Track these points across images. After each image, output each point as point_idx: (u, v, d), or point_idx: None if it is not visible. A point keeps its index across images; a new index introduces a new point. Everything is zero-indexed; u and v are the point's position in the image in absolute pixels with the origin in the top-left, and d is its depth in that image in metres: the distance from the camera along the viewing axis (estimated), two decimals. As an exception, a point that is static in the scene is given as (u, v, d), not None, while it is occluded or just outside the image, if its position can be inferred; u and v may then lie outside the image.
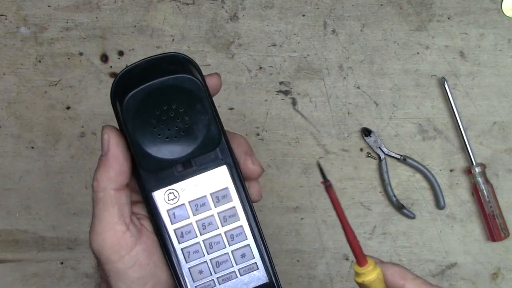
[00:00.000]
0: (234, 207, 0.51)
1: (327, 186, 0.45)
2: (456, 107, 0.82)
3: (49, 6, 0.83)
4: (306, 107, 0.84)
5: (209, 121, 0.47)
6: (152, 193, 0.49)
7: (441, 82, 0.83)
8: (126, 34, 0.83)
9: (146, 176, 0.49)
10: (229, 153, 0.50)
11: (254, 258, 0.51)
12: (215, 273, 0.51)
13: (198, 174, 0.50)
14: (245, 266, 0.51)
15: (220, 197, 0.50)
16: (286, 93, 0.84)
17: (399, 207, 0.83)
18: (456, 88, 0.84)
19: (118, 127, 0.49)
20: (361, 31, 0.84)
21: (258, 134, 0.84)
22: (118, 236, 0.48)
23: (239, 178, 0.50)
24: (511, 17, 0.83)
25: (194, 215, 0.50)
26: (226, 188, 0.50)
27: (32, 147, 0.83)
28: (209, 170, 0.50)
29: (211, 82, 0.50)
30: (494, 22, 0.83)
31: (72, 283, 0.84)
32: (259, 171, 0.51)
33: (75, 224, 0.84)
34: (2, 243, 0.84)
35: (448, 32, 0.83)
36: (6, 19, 0.83)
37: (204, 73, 0.50)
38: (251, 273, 0.51)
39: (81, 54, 0.83)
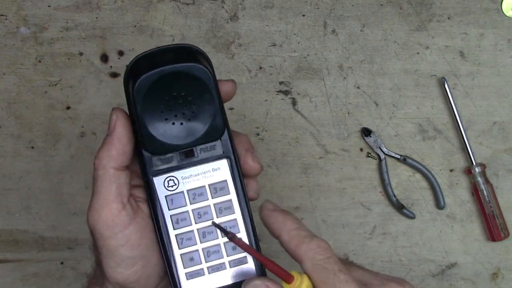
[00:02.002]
0: (230, 200, 0.52)
1: (232, 238, 0.48)
2: (456, 107, 0.82)
3: (49, 6, 0.83)
4: (306, 107, 0.84)
5: (215, 111, 0.49)
6: (153, 178, 0.51)
7: (441, 82, 0.83)
8: (126, 34, 0.83)
9: (149, 161, 0.51)
10: (231, 148, 0.52)
11: (244, 252, 0.52)
12: (206, 262, 0.52)
13: (199, 164, 0.51)
14: (235, 259, 0.52)
15: (218, 189, 0.52)
16: (286, 93, 0.84)
17: (399, 207, 0.83)
18: (456, 88, 0.84)
19: (127, 111, 0.51)
20: (361, 31, 0.84)
21: (258, 134, 0.84)
22: (113, 213, 0.50)
23: (238, 173, 0.52)
24: (511, 17, 0.83)
25: (191, 204, 0.51)
26: (225, 181, 0.52)
27: (32, 147, 0.83)
28: (210, 162, 0.51)
29: (225, 87, 0.51)
30: (494, 22, 0.83)
31: (72, 283, 0.84)
32: (258, 168, 0.52)
33: (75, 224, 0.84)
34: (2, 243, 0.84)
35: (448, 32, 0.83)
36: (6, 19, 0.83)
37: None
38: (240, 266, 0.52)
39: (81, 54, 0.83)
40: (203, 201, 0.51)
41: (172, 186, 0.51)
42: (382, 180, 0.84)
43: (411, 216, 0.84)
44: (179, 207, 0.51)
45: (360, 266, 0.52)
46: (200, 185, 0.51)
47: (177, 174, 0.51)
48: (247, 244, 0.50)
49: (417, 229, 0.84)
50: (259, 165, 0.52)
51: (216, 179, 0.51)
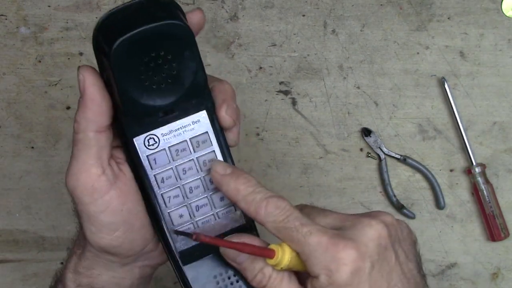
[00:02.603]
0: (213, 151, 0.51)
1: (197, 238, 0.45)
2: (456, 107, 0.82)
3: (49, 6, 0.83)
4: (306, 107, 0.84)
5: (196, 68, 0.47)
6: (133, 138, 0.49)
7: (441, 82, 0.83)
8: (126, 34, 0.83)
9: (126, 121, 0.48)
10: (209, 98, 0.50)
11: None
12: (195, 217, 0.51)
13: (179, 119, 0.49)
14: (223, 209, 0.52)
15: (200, 142, 0.50)
16: (286, 93, 0.84)
17: (399, 207, 0.83)
18: (456, 88, 0.84)
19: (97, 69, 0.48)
20: (361, 31, 0.84)
21: (258, 134, 0.84)
22: (92, 178, 0.48)
23: (219, 123, 0.50)
24: (511, 17, 0.83)
25: (174, 160, 0.50)
26: (206, 132, 0.50)
27: (32, 147, 0.83)
28: (190, 115, 0.49)
29: (194, 19, 0.49)
30: (494, 22, 0.83)
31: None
32: (229, 121, 0.50)
33: (75, 224, 0.83)
34: (2, 243, 0.84)
35: (448, 32, 0.83)
36: (6, 19, 0.83)
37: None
38: (228, 215, 0.52)
39: (81, 54, 0.83)
40: (186, 156, 0.50)
41: (152, 145, 0.49)
42: (382, 180, 0.84)
43: (411, 216, 0.84)
44: (163, 166, 0.50)
45: (334, 211, 0.50)
46: (181, 140, 0.50)
47: (157, 131, 0.49)
48: (214, 237, 0.48)
49: (417, 229, 0.84)
50: (231, 119, 0.50)
51: (197, 132, 0.50)
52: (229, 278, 0.52)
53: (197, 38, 0.51)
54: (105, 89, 0.47)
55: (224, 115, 0.50)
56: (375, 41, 0.84)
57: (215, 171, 0.49)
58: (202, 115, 0.50)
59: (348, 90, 0.84)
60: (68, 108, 0.83)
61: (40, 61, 0.83)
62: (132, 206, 0.50)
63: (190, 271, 0.51)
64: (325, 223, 0.47)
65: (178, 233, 0.48)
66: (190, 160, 0.50)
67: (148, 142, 0.49)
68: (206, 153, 0.50)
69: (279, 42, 0.84)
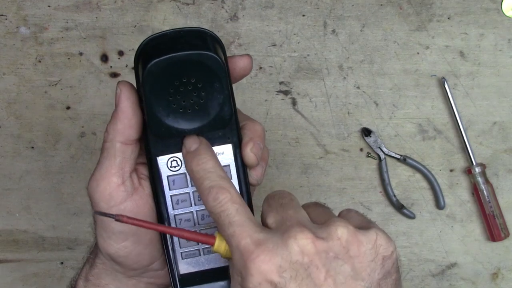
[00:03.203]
0: None
1: (119, 219, 0.45)
2: (456, 107, 0.82)
3: (49, 6, 0.83)
4: (306, 107, 0.84)
5: (223, 100, 0.48)
6: (157, 157, 0.51)
7: (441, 82, 0.83)
8: (126, 34, 0.83)
9: (153, 140, 0.50)
10: (237, 134, 0.51)
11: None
12: (202, 244, 0.52)
13: None
14: None
15: None
16: (286, 93, 0.84)
17: (399, 207, 0.83)
18: (456, 88, 0.84)
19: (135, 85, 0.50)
20: (361, 31, 0.84)
21: (258, 134, 0.84)
22: (111, 186, 0.50)
23: (242, 159, 0.51)
24: (511, 17, 0.83)
25: (192, 186, 0.51)
26: (228, 165, 0.51)
27: (32, 147, 0.83)
28: (215, 146, 0.51)
29: (240, 63, 0.51)
30: (494, 22, 0.83)
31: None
32: (253, 159, 0.51)
33: (75, 224, 0.84)
34: (2, 243, 0.84)
35: (448, 32, 0.83)
36: (6, 19, 0.83)
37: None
38: None
39: (81, 54, 0.83)
40: None
41: (175, 167, 0.51)
42: (382, 180, 0.84)
43: (411, 216, 0.84)
44: (180, 188, 0.51)
45: (317, 204, 0.49)
46: None
47: (181, 155, 0.51)
48: (141, 220, 0.47)
49: (417, 229, 0.84)
50: (255, 158, 0.51)
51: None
52: None
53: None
54: (137, 105, 0.49)
55: (248, 152, 0.51)
56: (375, 41, 0.84)
57: (184, 146, 0.50)
58: (227, 148, 0.51)
59: (348, 90, 0.84)
60: (68, 108, 0.83)
61: (40, 61, 0.83)
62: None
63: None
64: (271, 221, 0.45)
65: (100, 213, 0.49)
66: None
67: (171, 164, 0.51)
68: None
69: (279, 42, 0.84)
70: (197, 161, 0.48)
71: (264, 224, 0.46)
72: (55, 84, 0.83)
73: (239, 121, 0.52)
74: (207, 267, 0.52)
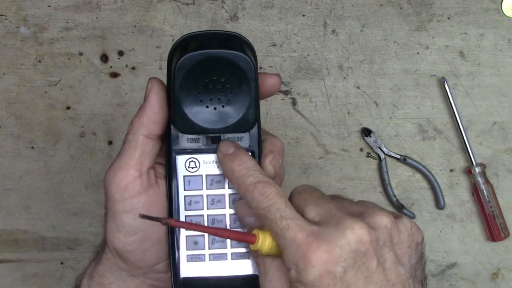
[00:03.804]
0: None
1: (167, 223, 0.45)
2: (456, 107, 0.82)
3: (49, 6, 0.83)
4: (306, 107, 0.84)
5: (250, 103, 0.49)
6: (176, 155, 0.51)
7: (441, 82, 0.83)
8: (126, 34, 0.83)
9: (175, 138, 0.51)
10: (258, 143, 0.52)
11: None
12: (209, 249, 0.52)
13: None
14: (237, 252, 0.52)
15: None
16: (286, 93, 0.84)
17: (399, 207, 0.83)
18: (456, 88, 0.84)
19: (165, 82, 0.51)
20: (361, 31, 0.84)
21: (258, 134, 0.84)
22: (128, 178, 0.50)
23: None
24: (511, 17, 0.83)
25: (207, 189, 0.52)
26: None
27: (32, 147, 0.83)
28: None
29: (269, 81, 0.51)
30: (494, 22, 0.83)
31: (72, 283, 0.84)
32: (271, 171, 0.51)
33: (75, 224, 0.84)
34: (2, 243, 0.84)
35: (448, 32, 0.84)
36: (6, 19, 0.83)
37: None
38: (241, 260, 0.52)
39: (81, 54, 0.83)
40: (219, 188, 0.52)
41: (192, 168, 0.51)
42: (382, 180, 0.84)
43: (411, 216, 0.84)
44: (195, 190, 0.52)
45: (339, 198, 0.50)
46: (219, 172, 0.51)
47: (200, 157, 0.51)
48: (188, 222, 0.49)
49: (417, 229, 0.84)
50: (273, 169, 0.51)
51: None
52: None
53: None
54: (165, 101, 0.50)
55: (268, 164, 0.51)
56: (375, 41, 0.84)
57: (219, 151, 0.50)
58: None
59: (348, 90, 0.84)
60: (68, 108, 0.83)
61: (40, 61, 0.83)
62: None
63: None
64: (314, 215, 0.46)
65: (144, 217, 0.48)
66: (221, 194, 0.52)
67: (189, 164, 0.51)
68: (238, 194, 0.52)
69: (279, 42, 0.84)
70: (238, 161, 0.49)
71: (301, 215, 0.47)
72: (55, 84, 0.83)
73: (261, 135, 0.52)
74: (211, 274, 0.52)
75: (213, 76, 0.48)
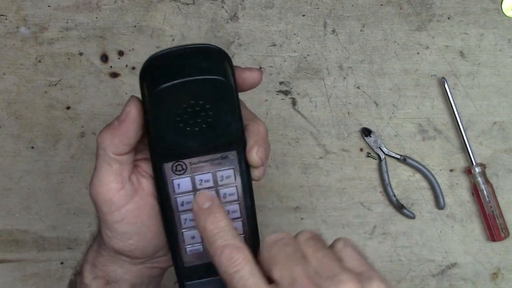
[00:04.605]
0: (235, 187, 0.53)
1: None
2: (456, 107, 0.83)
3: (49, 6, 0.83)
4: (306, 107, 0.84)
5: (231, 120, 0.49)
6: (162, 164, 0.51)
7: (441, 82, 0.83)
8: (126, 34, 0.83)
9: (158, 150, 0.51)
10: (242, 140, 0.52)
11: (242, 234, 0.54)
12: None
13: (208, 154, 0.52)
14: None
15: (224, 176, 0.53)
16: (286, 93, 0.84)
17: (399, 207, 0.83)
18: (456, 88, 0.84)
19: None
20: (361, 31, 0.84)
21: (258, 134, 0.84)
22: (111, 193, 0.51)
23: (246, 163, 0.52)
24: (511, 17, 0.83)
25: (197, 189, 0.52)
26: (232, 169, 0.52)
27: (32, 147, 0.83)
28: (219, 152, 0.52)
29: (250, 78, 0.51)
30: (494, 22, 0.83)
31: (72, 283, 0.84)
32: (257, 162, 0.52)
33: (75, 224, 0.84)
34: (2, 243, 0.84)
35: (448, 32, 0.84)
36: (6, 19, 0.83)
37: None
38: None
39: (81, 54, 0.83)
40: (209, 187, 0.52)
41: (180, 171, 0.52)
42: (382, 180, 0.84)
43: (411, 216, 0.84)
44: (185, 192, 0.52)
45: (317, 241, 0.48)
46: (207, 171, 0.52)
47: (186, 160, 0.51)
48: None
49: (417, 229, 0.84)
50: (260, 160, 0.52)
51: (223, 167, 0.52)
52: None
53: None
54: (141, 127, 0.49)
55: (254, 156, 0.52)
56: (375, 41, 0.84)
57: (195, 201, 0.50)
58: (232, 153, 0.52)
59: (348, 90, 0.84)
60: (68, 108, 0.83)
61: (40, 61, 0.83)
62: (147, 219, 0.53)
63: (190, 287, 0.55)
64: (279, 277, 0.45)
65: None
66: (211, 191, 0.53)
67: (176, 168, 0.52)
68: (227, 188, 0.53)
69: (279, 42, 0.84)
70: (212, 218, 0.48)
71: (268, 274, 0.46)
72: (55, 84, 0.83)
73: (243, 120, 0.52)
74: (209, 260, 0.53)
75: (190, 101, 0.47)
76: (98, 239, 0.56)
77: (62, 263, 0.84)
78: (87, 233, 0.83)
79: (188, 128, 0.49)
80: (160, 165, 0.51)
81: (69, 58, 0.83)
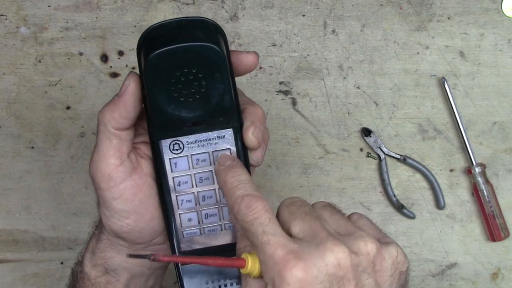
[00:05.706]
0: None
1: (155, 259, 0.46)
2: (456, 107, 0.83)
3: (49, 6, 0.83)
4: (306, 107, 0.84)
5: (224, 90, 0.50)
6: (159, 141, 0.52)
7: (441, 82, 0.83)
8: (126, 34, 0.83)
9: (155, 124, 0.52)
10: (238, 119, 0.52)
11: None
12: (202, 223, 0.54)
13: (205, 132, 0.52)
14: (229, 223, 0.54)
15: None
16: (286, 93, 0.84)
17: (399, 207, 0.83)
18: (456, 88, 0.84)
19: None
20: (361, 31, 0.84)
21: (258, 134, 0.84)
22: (110, 168, 0.52)
23: (242, 143, 0.53)
24: (511, 17, 0.83)
25: (193, 168, 0.53)
26: (228, 149, 0.53)
27: (32, 147, 0.83)
28: (216, 130, 0.52)
29: (246, 60, 0.52)
30: (494, 22, 0.83)
31: (72, 283, 0.84)
32: (254, 142, 0.52)
33: (75, 224, 0.84)
34: (2, 243, 0.84)
35: (448, 32, 0.84)
36: (6, 19, 0.83)
37: None
38: (233, 229, 0.54)
39: (81, 54, 0.83)
40: (206, 166, 0.53)
41: (177, 150, 0.52)
42: (382, 180, 0.84)
43: (411, 216, 0.84)
44: (182, 171, 0.53)
45: (332, 208, 0.50)
46: (203, 151, 0.53)
47: (183, 139, 0.52)
48: (174, 256, 0.51)
49: (417, 229, 0.84)
50: (256, 141, 0.52)
51: (220, 146, 0.53)
52: (219, 287, 0.54)
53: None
54: (140, 100, 0.51)
55: (250, 136, 0.52)
56: (375, 41, 0.84)
57: (217, 162, 0.51)
58: (228, 132, 0.53)
59: (348, 90, 0.84)
60: (68, 108, 0.83)
61: (40, 61, 0.83)
62: (144, 198, 0.53)
63: (186, 272, 0.54)
64: (298, 230, 0.46)
65: (133, 256, 0.50)
66: (208, 171, 0.53)
67: (173, 147, 0.52)
68: None
69: (279, 42, 0.84)
70: (232, 173, 0.49)
71: (287, 232, 0.46)
72: (55, 84, 0.83)
73: (240, 104, 0.53)
74: (208, 245, 0.54)
75: (184, 69, 0.48)
76: (99, 226, 0.57)
77: (62, 263, 0.84)
78: (87, 233, 0.83)
79: (182, 98, 0.49)
80: (158, 143, 0.52)
81: (69, 58, 0.83)
